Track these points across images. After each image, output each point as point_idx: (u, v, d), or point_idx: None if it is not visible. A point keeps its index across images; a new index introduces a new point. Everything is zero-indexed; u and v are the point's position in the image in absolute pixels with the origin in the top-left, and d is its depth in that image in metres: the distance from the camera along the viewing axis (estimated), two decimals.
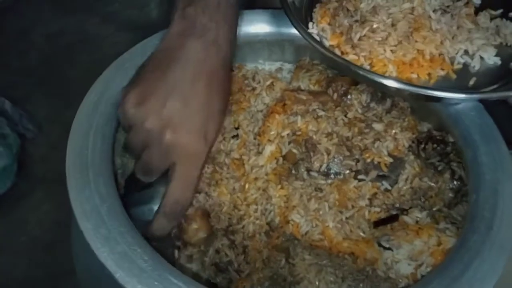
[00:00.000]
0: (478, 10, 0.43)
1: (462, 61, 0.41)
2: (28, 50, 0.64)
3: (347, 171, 0.42)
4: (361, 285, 0.38)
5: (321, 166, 0.42)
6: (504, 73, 0.41)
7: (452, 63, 0.41)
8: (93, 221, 0.32)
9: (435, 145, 0.42)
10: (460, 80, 0.40)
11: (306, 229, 0.42)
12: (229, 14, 0.38)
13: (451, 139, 0.42)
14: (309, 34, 0.41)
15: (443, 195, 0.41)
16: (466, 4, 0.43)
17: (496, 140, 0.39)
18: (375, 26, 0.41)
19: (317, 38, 0.43)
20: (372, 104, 0.45)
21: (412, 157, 0.42)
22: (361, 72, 0.39)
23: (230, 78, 0.39)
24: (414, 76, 0.40)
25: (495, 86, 0.40)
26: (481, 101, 0.41)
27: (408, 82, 0.39)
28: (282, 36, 0.49)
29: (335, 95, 0.46)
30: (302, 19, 0.43)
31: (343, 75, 0.48)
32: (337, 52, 0.42)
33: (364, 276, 0.38)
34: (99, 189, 0.33)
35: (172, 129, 0.34)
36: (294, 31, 0.45)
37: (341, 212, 0.41)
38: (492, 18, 0.44)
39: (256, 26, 0.49)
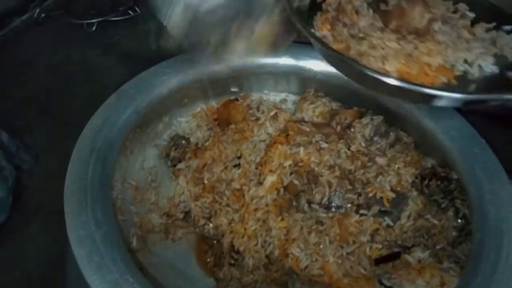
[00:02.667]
0: (472, 23, 0.46)
1: (462, 68, 0.42)
2: (29, 81, 0.66)
3: (349, 205, 0.42)
4: None
5: (322, 198, 0.42)
6: (502, 82, 0.42)
7: (452, 70, 0.42)
8: (87, 248, 0.32)
9: (438, 182, 0.42)
10: (461, 86, 0.41)
11: (306, 263, 0.42)
12: None
13: (455, 176, 0.42)
14: (315, 35, 0.42)
15: (447, 233, 0.41)
16: (462, 16, 0.46)
17: (500, 178, 0.39)
18: (374, 42, 0.41)
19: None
20: (376, 138, 0.45)
21: (415, 193, 0.42)
22: (363, 70, 0.39)
23: None
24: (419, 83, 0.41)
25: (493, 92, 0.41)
26: (481, 132, 0.42)
27: (409, 81, 0.39)
28: (288, 68, 0.50)
29: (339, 128, 0.46)
30: (307, 23, 0.45)
31: (346, 108, 0.49)
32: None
33: None
34: (96, 215, 0.33)
35: None
36: (300, 63, 0.46)
37: (341, 247, 0.41)
38: (487, 30, 0.46)
39: (263, 57, 0.50)
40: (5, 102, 0.63)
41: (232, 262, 0.45)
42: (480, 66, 0.43)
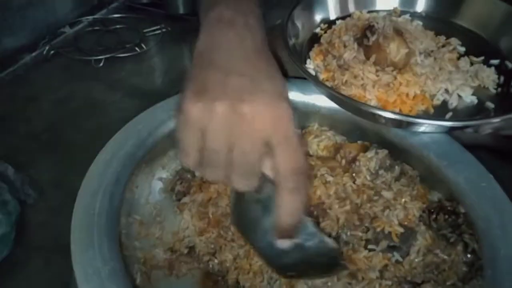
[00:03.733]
0: (460, 57, 0.50)
1: (441, 98, 0.46)
2: (35, 116, 0.67)
3: (356, 240, 0.42)
4: None
5: (330, 234, 0.42)
6: (480, 111, 0.46)
7: (432, 100, 0.46)
8: (94, 284, 0.31)
9: (446, 216, 0.42)
10: (438, 114, 0.45)
11: None
12: (251, 4, 0.37)
13: (462, 210, 0.42)
14: (305, 69, 0.47)
15: (457, 268, 0.41)
16: (451, 51, 0.50)
17: (508, 212, 0.39)
18: (356, 72, 0.46)
19: (313, 72, 0.49)
20: (381, 172, 0.46)
21: (423, 227, 0.42)
22: (345, 100, 0.44)
23: (274, 61, 0.35)
24: (397, 110, 0.45)
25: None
26: (487, 167, 0.43)
27: (387, 109, 0.44)
28: (292, 103, 0.51)
29: (344, 162, 0.47)
30: (301, 59, 0.50)
31: (351, 142, 0.50)
32: (329, 84, 0.48)
33: None
34: (103, 251, 0.33)
35: (244, 100, 0.29)
36: (304, 98, 0.48)
37: (350, 284, 0.40)
38: (473, 64, 0.50)
39: None
40: (10, 137, 0.64)
41: None
42: (459, 96, 0.46)
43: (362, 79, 0.46)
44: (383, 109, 0.44)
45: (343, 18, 0.55)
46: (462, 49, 0.51)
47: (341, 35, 0.50)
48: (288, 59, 0.46)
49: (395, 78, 0.46)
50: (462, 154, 0.44)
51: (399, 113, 0.44)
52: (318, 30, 0.54)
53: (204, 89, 0.30)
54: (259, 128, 0.30)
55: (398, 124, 0.44)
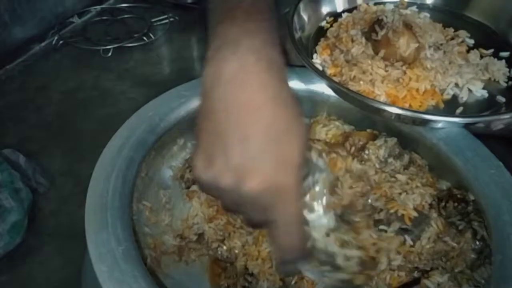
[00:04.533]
0: (470, 50, 0.50)
1: (451, 92, 0.46)
2: (44, 105, 0.68)
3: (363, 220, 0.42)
4: None
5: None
6: (490, 105, 0.45)
7: (442, 94, 0.46)
8: (108, 264, 0.32)
9: (456, 204, 0.42)
10: (448, 109, 0.45)
11: (322, 287, 0.41)
12: (263, 19, 0.32)
13: (471, 198, 0.42)
14: (313, 64, 0.47)
15: (465, 256, 0.41)
16: (460, 43, 0.50)
17: None
18: (365, 68, 0.46)
19: (320, 67, 0.49)
20: (390, 160, 0.46)
21: (435, 214, 0.42)
22: (355, 96, 0.43)
23: (289, 92, 0.31)
24: (407, 105, 0.45)
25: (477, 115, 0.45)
26: (496, 155, 0.43)
27: (400, 106, 0.43)
28: (300, 92, 0.51)
29: (353, 149, 0.47)
30: (308, 53, 0.49)
31: (360, 130, 0.50)
32: (336, 79, 0.47)
33: None
34: (117, 232, 0.34)
35: (247, 177, 0.29)
36: (311, 87, 0.48)
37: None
38: (483, 57, 0.49)
39: None
40: (21, 127, 0.65)
41: (246, 285, 0.45)
42: (469, 90, 0.46)
43: (371, 74, 0.46)
44: (395, 105, 0.44)
45: (350, 10, 0.54)
46: (471, 42, 0.50)
47: (348, 29, 0.50)
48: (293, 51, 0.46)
49: (405, 73, 0.45)
50: (471, 142, 0.44)
51: (412, 110, 0.43)
52: (324, 23, 0.53)
53: (210, 160, 0.29)
54: (261, 205, 0.30)
55: (411, 121, 0.44)
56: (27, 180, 0.55)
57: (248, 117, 0.29)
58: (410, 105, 0.44)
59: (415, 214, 0.42)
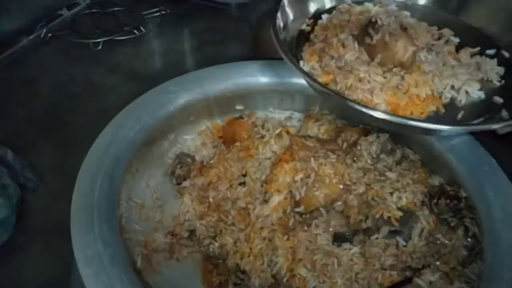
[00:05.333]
0: (457, 49, 0.46)
1: (449, 95, 0.43)
2: (33, 100, 0.66)
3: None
4: None
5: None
6: (488, 107, 0.43)
7: (440, 98, 0.43)
8: (94, 268, 0.31)
9: (448, 201, 0.42)
10: (449, 113, 0.42)
11: (313, 284, 0.41)
12: None
13: (463, 194, 0.41)
14: (302, 69, 0.42)
15: (457, 252, 0.40)
16: (446, 42, 0.46)
17: (510, 196, 0.38)
18: (361, 75, 0.41)
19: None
20: (382, 156, 0.45)
21: (426, 211, 0.42)
22: (350, 104, 0.39)
23: None
24: (408, 113, 0.41)
25: (480, 120, 0.41)
26: (489, 151, 0.42)
27: (396, 114, 0.40)
28: (293, 86, 0.50)
29: (345, 145, 0.46)
30: (293, 54, 0.44)
31: (352, 126, 0.49)
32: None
33: None
34: (103, 234, 0.33)
35: None
36: (304, 82, 0.46)
37: (351, 270, 0.39)
38: (472, 55, 0.46)
39: (268, 76, 0.50)
40: (9, 121, 0.63)
41: (238, 282, 0.44)
42: (467, 92, 0.43)
43: (369, 82, 0.41)
44: (412, 118, 0.40)
45: (329, 11, 0.49)
46: (456, 40, 0.47)
47: (337, 33, 0.46)
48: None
49: (403, 78, 0.42)
50: (465, 138, 0.43)
51: (425, 120, 0.40)
52: (304, 26, 0.48)
53: None
54: None
55: (422, 131, 0.41)
56: (15, 176, 0.54)
57: None
58: (411, 113, 0.41)
59: (400, 213, 0.41)
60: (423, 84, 0.42)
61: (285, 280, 0.42)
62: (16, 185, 0.52)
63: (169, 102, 0.45)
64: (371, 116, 0.38)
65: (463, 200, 0.41)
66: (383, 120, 0.38)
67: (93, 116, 0.63)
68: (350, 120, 0.50)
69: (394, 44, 0.42)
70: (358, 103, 0.39)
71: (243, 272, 0.44)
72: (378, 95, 0.41)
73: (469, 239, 0.40)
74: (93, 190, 0.36)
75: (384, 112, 0.39)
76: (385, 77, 0.42)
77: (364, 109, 0.38)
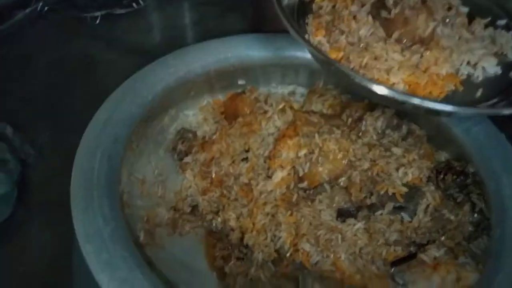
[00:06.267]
0: (470, 20, 0.42)
1: (465, 72, 0.39)
2: (31, 76, 0.64)
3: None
4: None
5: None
6: (506, 82, 0.39)
7: (457, 75, 0.39)
8: (95, 244, 0.30)
9: (455, 176, 0.40)
10: (467, 91, 0.39)
11: (317, 259, 0.40)
12: None
13: (471, 170, 0.40)
14: (322, 52, 0.38)
15: (463, 228, 0.40)
16: (457, 12, 0.42)
17: None
18: (378, 53, 0.38)
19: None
20: (388, 131, 0.44)
21: (432, 187, 0.40)
22: (357, 80, 0.35)
23: None
24: (427, 93, 0.38)
25: (495, 100, 0.38)
26: (498, 126, 0.40)
27: (405, 92, 0.37)
28: (297, 60, 0.48)
29: (349, 121, 0.45)
30: (304, 31, 0.40)
31: (357, 101, 0.47)
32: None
33: None
34: (104, 211, 0.32)
35: None
36: (308, 55, 0.43)
37: (354, 245, 0.39)
38: (485, 27, 0.42)
39: (271, 49, 0.48)
40: (7, 98, 0.61)
41: (241, 256, 0.44)
42: (483, 68, 0.40)
43: (386, 60, 0.37)
44: (430, 99, 0.36)
45: None
46: (465, 10, 0.42)
47: (348, 5, 0.41)
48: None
49: (421, 56, 0.38)
50: None
51: (452, 104, 0.35)
52: None
53: None
54: None
55: (441, 114, 0.38)
56: (15, 151, 0.52)
57: None
58: (430, 93, 0.38)
59: (405, 189, 0.40)
60: (443, 61, 0.38)
61: (288, 254, 0.41)
62: (17, 161, 0.51)
63: (168, 76, 0.43)
64: (391, 98, 0.34)
65: (470, 176, 0.40)
66: (403, 102, 0.35)
67: (91, 91, 0.61)
68: (355, 94, 0.48)
69: (415, 19, 0.38)
70: (380, 83, 0.35)
71: (246, 246, 0.44)
72: (396, 75, 0.37)
73: (475, 215, 0.39)
74: (92, 166, 0.34)
75: (408, 94, 0.36)
76: (403, 55, 0.38)
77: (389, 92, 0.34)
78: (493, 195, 0.36)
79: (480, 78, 0.39)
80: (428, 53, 0.38)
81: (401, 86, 0.37)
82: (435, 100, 0.37)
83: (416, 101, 0.34)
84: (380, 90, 0.34)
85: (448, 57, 0.39)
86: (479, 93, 0.38)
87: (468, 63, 0.40)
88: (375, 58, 0.38)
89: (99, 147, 0.36)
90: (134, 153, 0.45)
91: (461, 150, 0.40)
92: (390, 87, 0.36)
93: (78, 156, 0.35)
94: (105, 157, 0.35)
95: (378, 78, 0.37)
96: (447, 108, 0.35)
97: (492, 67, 0.40)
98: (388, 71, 0.37)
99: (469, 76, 0.39)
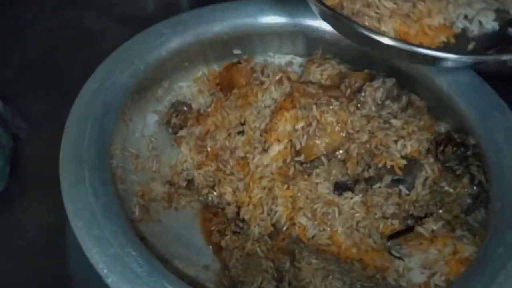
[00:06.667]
0: None
1: (461, 26, 0.40)
2: (24, 46, 0.62)
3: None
4: None
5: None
6: (501, 39, 0.40)
7: (451, 28, 0.40)
8: (85, 220, 0.29)
9: (455, 148, 0.39)
10: (459, 44, 0.39)
11: (313, 233, 0.40)
12: None
13: (472, 141, 0.39)
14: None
15: (461, 201, 0.39)
16: None
17: None
18: (370, 0, 0.38)
19: None
20: (387, 102, 0.42)
21: (431, 159, 0.39)
22: (355, 27, 0.37)
23: None
24: (417, 43, 0.39)
25: (491, 52, 0.39)
26: (503, 98, 0.39)
27: (402, 40, 0.38)
28: (294, 27, 0.46)
29: (348, 91, 0.43)
30: None
31: (356, 71, 0.45)
32: None
33: (373, 284, 0.37)
34: (94, 185, 0.31)
35: None
36: (308, 22, 0.42)
37: (352, 219, 0.38)
38: None
39: (267, 16, 0.46)
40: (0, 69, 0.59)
41: (238, 230, 0.43)
42: (480, 23, 0.39)
43: (378, 8, 0.38)
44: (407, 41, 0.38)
45: None
46: None
47: None
48: None
49: (414, 5, 0.39)
50: (476, 82, 0.40)
51: (432, 48, 0.37)
52: None
53: None
54: None
55: (422, 59, 0.38)
56: (6, 125, 0.51)
57: None
58: (421, 43, 0.39)
59: (403, 162, 0.39)
60: (437, 13, 0.38)
61: (284, 228, 0.41)
62: (9, 135, 0.50)
63: (160, 45, 0.41)
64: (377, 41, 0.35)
65: (471, 148, 0.39)
66: (388, 46, 0.36)
67: (84, 61, 0.59)
68: (355, 64, 0.46)
69: None
70: (367, 28, 0.36)
71: (243, 220, 0.43)
72: (387, 23, 0.38)
73: (474, 187, 0.38)
74: (82, 139, 0.33)
75: (391, 38, 0.37)
76: (395, 3, 0.38)
77: (371, 35, 0.35)
78: (494, 167, 0.35)
79: (475, 33, 0.39)
80: (421, 3, 0.38)
81: (391, 35, 0.38)
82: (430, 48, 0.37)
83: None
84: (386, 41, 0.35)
85: (443, 8, 0.38)
86: (471, 46, 0.38)
87: (466, 17, 0.39)
88: (368, 5, 0.38)
89: (90, 117, 0.34)
90: (127, 126, 0.44)
91: (462, 120, 0.39)
92: (395, 38, 0.36)
93: (68, 128, 0.34)
94: (95, 128, 0.34)
95: (370, 26, 0.38)
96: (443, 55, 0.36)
97: (489, 22, 0.39)
98: (379, 19, 0.38)
99: (464, 30, 0.39)
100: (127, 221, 0.31)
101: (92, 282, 0.28)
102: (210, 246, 0.42)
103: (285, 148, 0.42)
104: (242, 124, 0.44)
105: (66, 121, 0.34)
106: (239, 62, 0.48)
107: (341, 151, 0.41)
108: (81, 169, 0.32)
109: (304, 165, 0.41)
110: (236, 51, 0.49)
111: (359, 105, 0.42)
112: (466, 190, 0.38)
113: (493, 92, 0.39)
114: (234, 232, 0.43)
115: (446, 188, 0.39)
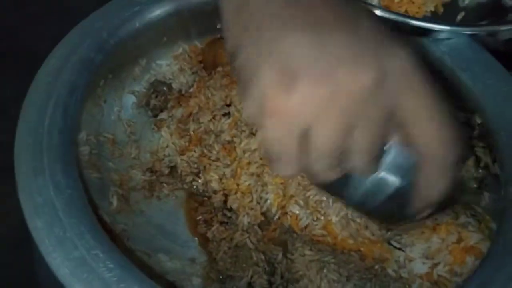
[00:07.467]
0: None
1: None
2: None
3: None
4: (368, 284, 0.34)
5: None
6: (495, 10, 0.39)
7: None
8: (45, 218, 0.25)
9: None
10: (448, 14, 0.38)
11: (306, 222, 0.37)
12: None
13: (478, 121, 0.35)
14: None
15: (466, 185, 0.35)
16: None
17: None
18: None
19: None
20: None
21: None
22: None
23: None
24: (402, 10, 0.38)
25: (483, 23, 0.38)
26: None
27: (389, 10, 0.36)
28: None
29: None
30: None
31: None
32: None
33: (372, 275, 0.35)
34: (56, 177, 0.26)
35: (356, 61, 0.21)
36: None
37: (346, 207, 0.36)
38: None
39: None
40: None
41: (225, 220, 0.40)
42: None
43: None
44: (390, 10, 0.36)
45: None
46: None
47: None
48: None
49: None
50: (481, 56, 0.37)
51: (420, 19, 0.36)
52: None
53: (291, 71, 0.21)
54: (380, 103, 0.22)
55: (408, 29, 0.36)
56: None
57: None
58: (406, 11, 0.37)
59: None
60: None
61: (276, 218, 0.38)
62: None
63: (133, 17, 0.37)
64: None
65: (477, 128, 0.36)
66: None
67: (55, 37, 0.55)
68: None
69: None
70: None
71: (230, 210, 0.40)
72: None
73: (480, 170, 0.36)
74: (42, 123, 0.29)
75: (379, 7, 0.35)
76: None
77: None
78: (505, 149, 0.32)
79: (466, 2, 0.38)
80: None
81: (374, 1, 0.37)
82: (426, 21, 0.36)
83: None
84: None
85: None
86: (460, 16, 0.38)
87: None
88: None
89: (51, 99, 0.30)
90: (102, 109, 0.40)
91: (467, 97, 0.36)
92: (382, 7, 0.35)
93: (24, 111, 0.29)
94: (58, 112, 0.29)
95: None
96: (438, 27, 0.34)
97: None
98: None
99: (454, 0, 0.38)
100: (95, 219, 0.27)
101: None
102: (196, 238, 0.39)
103: None
104: (228, 106, 0.41)
105: (23, 101, 0.30)
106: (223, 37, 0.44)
107: None
108: (41, 158, 0.27)
109: None
110: (220, 25, 0.45)
111: None
112: (470, 173, 0.36)
113: (501, 66, 0.36)
114: (222, 223, 0.40)
115: None
